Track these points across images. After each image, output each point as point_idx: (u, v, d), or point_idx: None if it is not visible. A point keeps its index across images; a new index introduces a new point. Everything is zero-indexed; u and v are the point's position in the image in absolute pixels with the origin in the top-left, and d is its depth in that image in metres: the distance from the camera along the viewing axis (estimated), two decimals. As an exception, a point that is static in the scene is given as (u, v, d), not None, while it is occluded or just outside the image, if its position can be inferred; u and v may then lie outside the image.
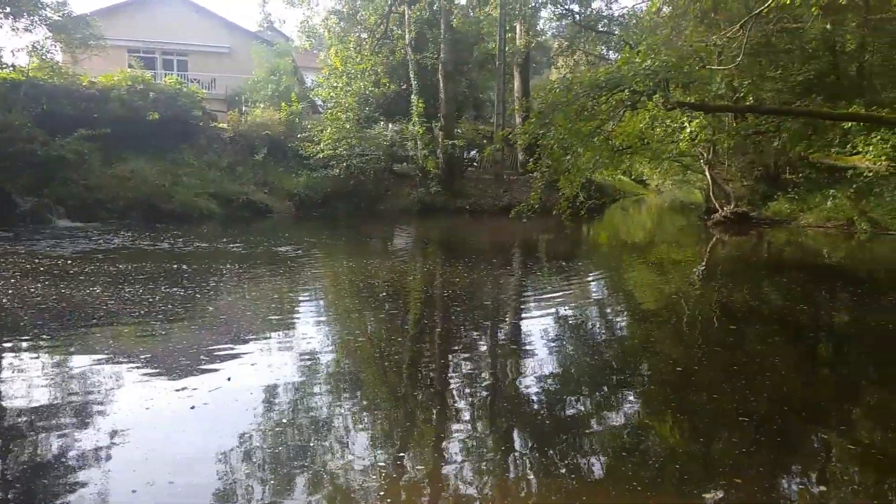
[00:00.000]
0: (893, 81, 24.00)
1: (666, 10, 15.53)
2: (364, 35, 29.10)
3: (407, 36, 27.13)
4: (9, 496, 3.77)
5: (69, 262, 12.00)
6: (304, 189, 24.00)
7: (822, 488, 4.06)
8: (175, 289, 9.81)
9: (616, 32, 27.57)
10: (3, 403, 5.30)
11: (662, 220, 28.39)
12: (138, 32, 34.26)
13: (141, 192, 19.52)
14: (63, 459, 4.25)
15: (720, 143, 17.40)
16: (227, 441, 4.55)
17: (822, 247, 17.05)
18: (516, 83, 32.25)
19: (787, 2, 8.60)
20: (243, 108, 29.36)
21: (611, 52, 27.82)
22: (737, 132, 13.44)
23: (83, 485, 3.89)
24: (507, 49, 29.44)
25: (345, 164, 24.67)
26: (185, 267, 11.83)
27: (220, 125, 26.50)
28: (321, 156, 24.50)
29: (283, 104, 27.19)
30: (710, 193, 21.89)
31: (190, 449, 4.43)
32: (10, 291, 9.34)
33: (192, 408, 5.14)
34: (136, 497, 3.73)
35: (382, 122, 28.03)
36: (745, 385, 5.94)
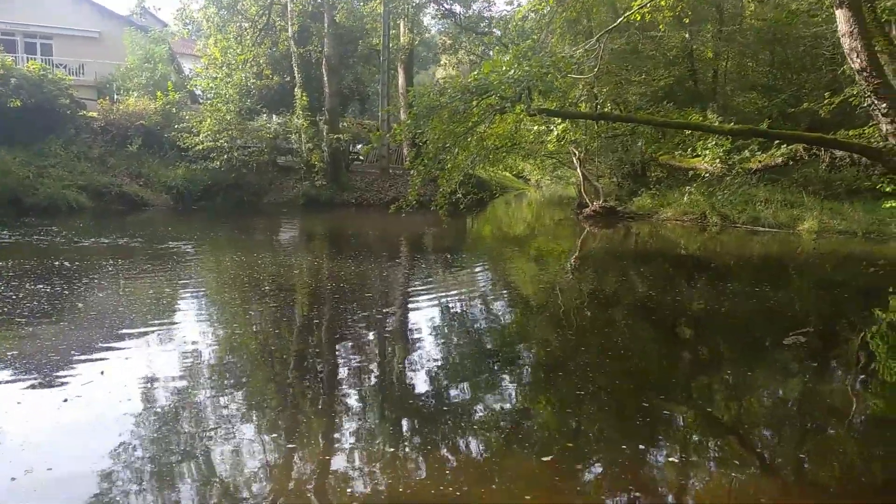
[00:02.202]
0: (742, 87, 26.56)
1: (533, 15, 16.43)
2: (245, 25, 28.46)
3: (290, 29, 26.83)
4: None
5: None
6: (182, 181, 23.27)
7: (672, 454, 4.74)
8: (41, 285, 9.46)
9: (497, 33, 28.56)
10: None
11: (541, 214, 29.76)
12: (-3, 12, 31.77)
13: (2, 185, 18.27)
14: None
15: (585, 143, 18.63)
16: (102, 431, 4.68)
17: (679, 238, 18.63)
18: (401, 79, 32.64)
19: (638, 17, 9.55)
20: (115, 97, 27.95)
21: (491, 52, 28.75)
22: (598, 135, 14.57)
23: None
24: (391, 45, 29.72)
25: (226, 156, 24.15)
26: (51, 263, 11.34)
27: (90, 114, 25.13)
28: (200, 147, 23.86)
29: (158, 93, 26.17)
30: (582, 189, 23.27)
31: (65, 438, 4.53)
32: None
33: (65, 400, 5.19)
34: (15, 484, 3.84)
35: (265, 115, 27.57)
36: (613, 366, 6.66)
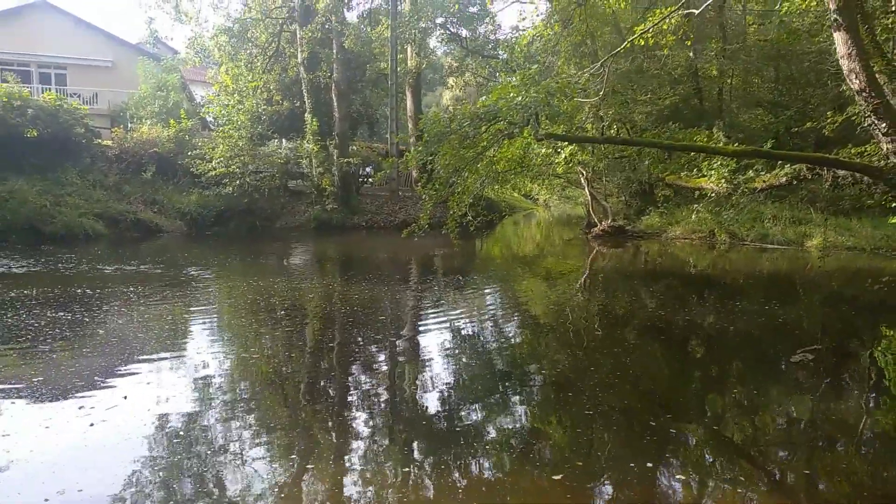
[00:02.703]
0: (748, 104, 26.76)
1: (537, 43, 16.73)
2: (255, 52, 29.01)
3: (299, 55, 27.32)
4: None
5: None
6: (196, 207, 23.62)
7: (680, 472, 4.85)
8: (62, 313, 9.69)
9: (502, 56, 28.95)
10: None
11: (550, 234, 29.91)
12: (11, 44, 32.55)
13: (20, 214, 18.64)
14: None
15: (592, 164, 18.88)
16: (129, 454, 4.85)
17: (688, 257, 18.71)
18: (409, 102, 33.07)
19: (642, 42, 9.80)
20: (129, 125, 28.46)
21: (498, 74, 29.15)
22: (604, 156, 14.83)
23: (3, 497, 4.13)
24: (399, 69, 30.17)
25: (238, 181, 24.52)
26: (73, 291, 11.59)
27: (105, 142, 25.61)
28: (213, 173, 24.23)
29: (171, 121, 26.64)
30: (591, 209, 23.44)
31: (94, 462, 4.69)
32: None
33: (92, 425, 5.36)
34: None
35: (276, 140, 27.99)
36: (622, 386, 6.78)
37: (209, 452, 4.96)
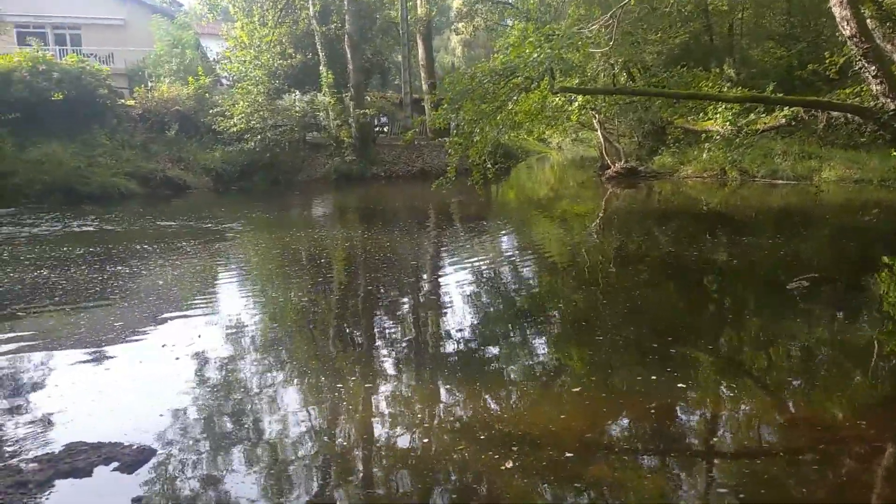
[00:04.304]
0: (758, 38, 26.78)
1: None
2: (267, 6, 29.20)
3: (311, 9, 27.52)
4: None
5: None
6: (220, 164, 24.36)
7: (679, 381, 5.67)
8: (120, 267, 10.56)
9: (511, 2, 28.95)
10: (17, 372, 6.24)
11: (564, 177, 30.45)
12: (25, 6, 32.79)
13: (57, 176, 19.49)
14: (107, 400, 5.34)
15: (604, 109, 19.36)
16: (216, 380, 5.78)
17: (700, 195, 19.33)
18: (420, 50, 33.21)
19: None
20: (149, 84, 29.00)
21: (508, 19, 29.16)
22: (615, 102, 15.35)
23: (124, 413, 5.09)
24: (409, 17, 30.29)
25: (259, 136, 25.13)
26: (120, 248, 12.36)
27: (128, 102, 26.24)
28: (235, 130, 24.86)
29: (189, 78, 27.13)
30: (603, 150, 23.93)
31: (188, 387, 5.60)
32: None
33: (177, 359, 6.28)
34: (163, 419, 4.95)
35: (292, 94, 28.41)
36: (631, 317, 7.58)
37: (285, 371, 5.90)
